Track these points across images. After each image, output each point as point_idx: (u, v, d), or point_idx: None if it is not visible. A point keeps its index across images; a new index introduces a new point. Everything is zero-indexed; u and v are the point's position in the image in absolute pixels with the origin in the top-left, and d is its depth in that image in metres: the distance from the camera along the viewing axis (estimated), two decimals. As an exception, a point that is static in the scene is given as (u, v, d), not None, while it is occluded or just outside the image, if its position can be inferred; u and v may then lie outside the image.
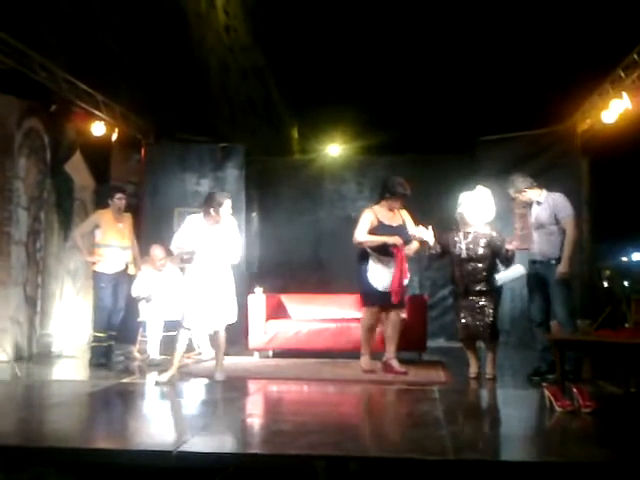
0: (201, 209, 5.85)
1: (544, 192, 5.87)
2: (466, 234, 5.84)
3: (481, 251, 5.76)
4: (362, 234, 5.97)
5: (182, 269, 6.46)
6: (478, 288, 5.75)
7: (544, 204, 5.81)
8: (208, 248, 5.69)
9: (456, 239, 5.86)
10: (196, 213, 5.94)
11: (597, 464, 3.34)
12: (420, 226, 6.04)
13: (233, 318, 5.90)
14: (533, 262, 5.90)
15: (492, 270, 5.82)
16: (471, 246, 5.78)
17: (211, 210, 5.68)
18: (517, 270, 5.84)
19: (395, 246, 5.86)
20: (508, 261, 5.81)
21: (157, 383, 5.63)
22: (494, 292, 5.83)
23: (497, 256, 5.80)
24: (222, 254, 5.74)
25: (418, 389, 5.47)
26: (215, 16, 12.04)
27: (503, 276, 5.83)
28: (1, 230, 7.15)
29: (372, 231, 5.97)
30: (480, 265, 5.76)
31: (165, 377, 5.65)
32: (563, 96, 8.26)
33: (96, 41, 8.13)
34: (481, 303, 5.76)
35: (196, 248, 5.69)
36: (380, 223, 5.99)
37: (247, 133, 11.02)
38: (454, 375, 6.04)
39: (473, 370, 5.91)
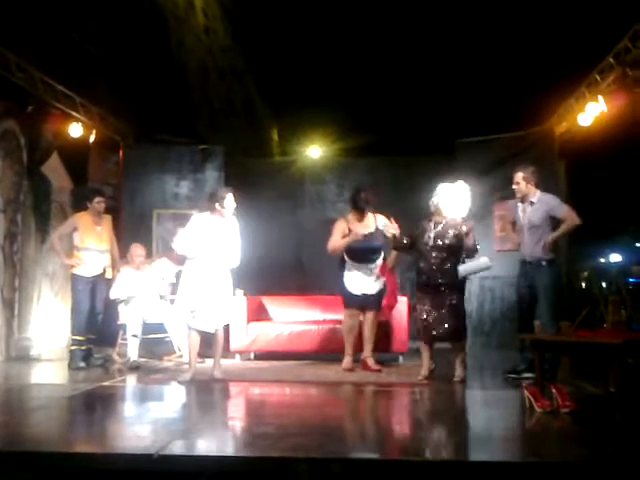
0: (206, 207, 6.00)
1: (538, 193, 5.90)
2: (436, 224, 5.76)
3: (448, 241, 5.66)
4: (333, 243, 6.22)
5: (178, 271, 6.51)
6: (442, 281, 5.61)
7: (537, 204, 5.83)
8: (211, 246, 5.80)
9: (426, 227, 5.79)
10: (200, 213, 6.08)
11: (576, 464, 3.37)
12: (385, 220, 6.18)
13: (230, 319, 6.09)
14: (523, 263, 5.92)
15: (458, 263, 5.67)
16: (440, 236, 5.69)
17: (216, 205, 5.87)
18: (481, 262, 5.70)
19: (364, 235, 6.09)
20: (472, 252, 5.67)
21: (180, 382, 5.74)
22: (459, 286, 5.70)
23: (462, 247, 5.67)
24: (224, 255, 5.83)
25: (400, 390, 5.49)
26: (194, 17, 11.98)
27: (467, 267, 5.68)
28: (-23, 233, 7.08)
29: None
30: (446, 256, 5.64)
31: (187, 377, 5.79)
32: (540, 99, 8.33)
33: (73, 42, 8.06)
34: (447, 300, 5.61)
35: (201, 247, 5.81)
36: (351, 231, 6.20)
37: (226, 134, 10.96)
38: (435, 376, 6.06)
39: (423, 372, 5.77)
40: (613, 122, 7.31)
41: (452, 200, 5.76)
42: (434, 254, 5.67)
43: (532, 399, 4.48)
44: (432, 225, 5.78)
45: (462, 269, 5.64)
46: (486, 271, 5.92)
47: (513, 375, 5.73)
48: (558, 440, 3.95)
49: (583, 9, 7.66)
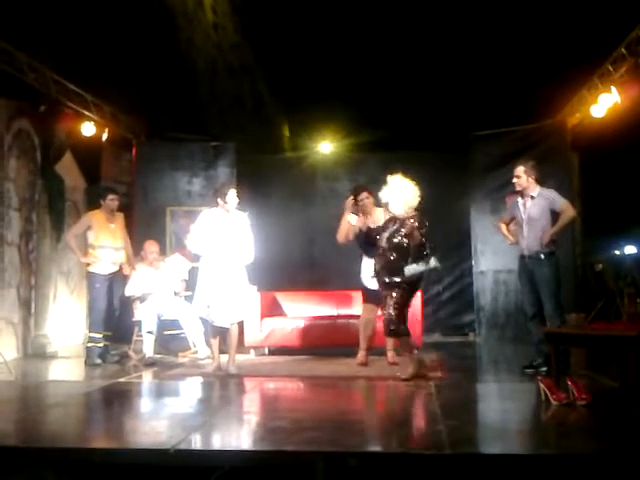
0: (214, 203, 6.12)
1: (538, 187, 5.89)
2: (394, 223, 5.63)
3: (397, 240, 5.50)
4: (339, 235, 6.38)
5: (193, 267, 6.58)
6: (389, 280, 5.48)
7: (537, 199, 5.84)
8: (223, 242, 5.89)
9: (384, 228, 5.70)
10: (208, 209, 6.20)
11: (593, 456, 3.36)
12: (352, 215, 6.28)
13: (246, 314, 6.18)
14: (522, 257, 5.92)
15: (406, 263, 5.45)
16: (393, 235, 5.55)
17: (219, 200, 6.00)
18: (428, 262, 5.51)
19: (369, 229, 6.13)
20: (421, 254, 5.47)
21: (205, 375, 5.97)
22: (404, 285, 5.47)
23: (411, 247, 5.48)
24: (236, 249, 5.91)
25: (415, 384, 5.49)
26: (203, 15, 11.99)
27: (412, 267, 5.47)
28: (-7, 232, 7.14)
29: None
30: (396, 255, 5.48)
31: (212, 369, 6.00)
32: (552, 91, 8.27)
33: (84, 42, 8.08)
34: (388, 297, 5.49)
35: (212, 243, 5.90)
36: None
37: (237, 131, 10.98)
38: (450, 370, 6.06)
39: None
40: (626, 113, 7.25)
41: (395, 197, 5.61)
42: (386, 254, 5.55)
43: (548, 392, 4.47)
44: (390, 225, 5.66)
45: (407, 269, 5.46)
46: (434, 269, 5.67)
47: (530, 370, 5.71)
48: (574, 433, 3.93)
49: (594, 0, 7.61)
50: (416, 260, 5.44)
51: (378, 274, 5.60)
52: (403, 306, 5.53)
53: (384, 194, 5.66)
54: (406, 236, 5.48)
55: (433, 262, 5.50)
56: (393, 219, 5.65)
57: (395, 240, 5.51)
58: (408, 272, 5.42)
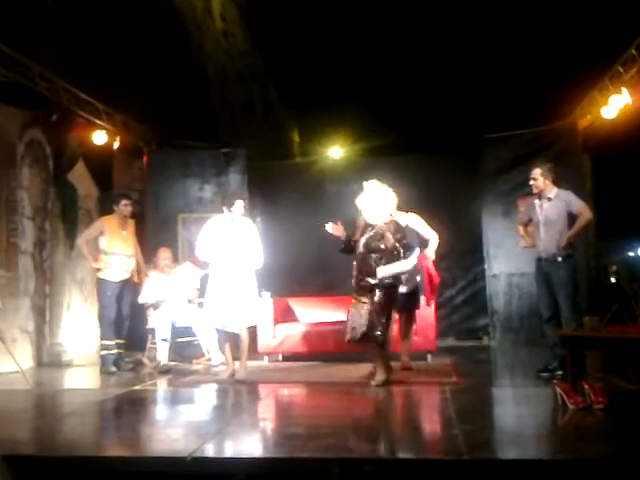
0: (220, 210, 6.17)
1: (555, 189, 5.86)
2: (370, 229, 5.66)
3: (374, 244, 5.54)
4: None
5: (204, 275, 6.59)
6: (364, 284, 5.52)
7: (554, 201, 5.80)
8: (230, 249, 5.91)
9: (362, 233, 5.71)
10: (215, 217, 6.23)
11: (610, 460, 3.34)
12: (415, 218, 6.27)
13: (255, 320, 6.16)
14: (539, 259, 5.90)
15: (378, 265, 5.49)
16: (370, 240, 5.59)
17: (224, 209, 6.05)
18: (401, 264, 5.53)
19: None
20: (395, 257, 5.50)
21: (220, 382, 5.98)
22: (379, 289, 5.49)
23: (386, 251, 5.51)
24: (244, 256, 5.92)
25: (429, 389, 5.48)
26: (212, 22, 12.05)
27: (384, 269, 5.49)
28: (8, 241, 7.18)
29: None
30: (372, 259, 5.51)
31: (226, 375, 6.05)
32: (563, 93, 8.26)
33: (95, 50, 8.15)
34: (362, 303, 5.51)
35: (219, 250, 5.92)
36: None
37: (248, 137, 11.02)
38: (465, 374, 6.03)
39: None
40: (637, 114, 7.21)
41: (369, 205, 5.65)
42: (363, 259, 5.59)
43: (564, 396, 4.44)
44: (368, 230, 5.68)
45: (379, 270, 5.48)
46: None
47: (545, 374, 5.68)
48: (591, 437, 3.90)
49: (605, 0, 7.59)
50: (389, 262, 5.50)
51: (356, 278, 5.63)
52: (383, 312, 5.51)
53: (360, 200, 5.70)
54: (381, 241, 5.55)
55: (406, 264, 5.56)
56: (370, 225, 5.69)
57: (372, 245, 5.58)
58: (380, 274, 5.48)
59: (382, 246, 5.52)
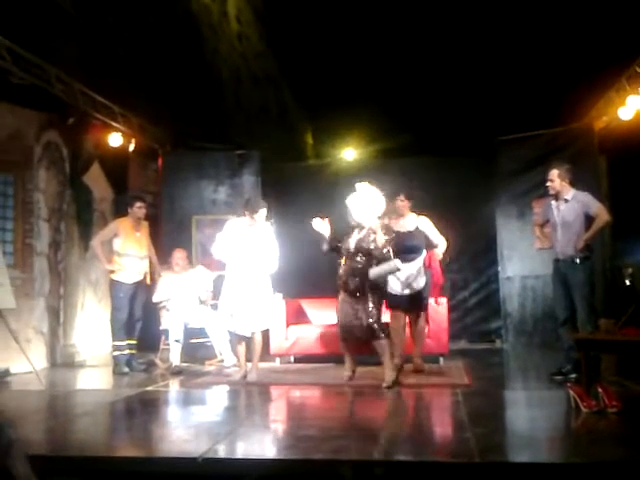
0: (242, 213, 6.22)
1: (572, 190, 5.82)
2: (360, 230, 5.72)
3: (365, 245, 5.60)
4: None
5: (217, 277, 6.62)
6: (355, 285, 5.58)
7: (571, 202, 5.75)
8: (247, 252, 5.95)
9: (350, 234, 5.77)
10: (235, 218, 6.30)
11: (624, 464, 3.31)
12: (424, 221, 6.30)
13: (268, 324, 6.20)
14: (556, 261, 5.85)
15: (371, 267, 5.58)
16: (360, 242, 5.65)
17: (246, 213, 6.11)
18: (391, 264, 5.55)
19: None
20: (384, 258, 5.53)
21: (232, 383, 6.04)
22: (372, 289, 5.59)
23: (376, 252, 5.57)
24: (260, 259, 5.97)
25: (442, 392, 5.45)
26: (227, 25, 12.09)
27: (376, 270, 5.56)
28: (23, 242, 7.26)
29: None
30: (362, 260, 5.60)
31: (238, 377, 6.10)
32: (579, 94, 8.20)
33: (111, 54, 8.20)
34: (359, 304, 5.57)
35: (236, 251, 5.96)
36: None
37: (262, 139, 11.04)
38: (477, 377, 6.00)
39: (346, 373, 5.84)
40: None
41: (358, 207, 5.71)
42: (352, 260, 5.65)
43: (578, 399, 4.40)
44: (356, 232, 5.74)
45: (371, 271, 5.55)
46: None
47: (559, 377, 5.63)
48: (605, 440, 3.87)
49: (621, 1, 7.53)
50: (379, 264, 5.56)
51: (345, 280, 5.66)
52: (377, 310, 5.61)
53: (349, 202, 5.76)
54: (370, 242, 5.60)
55: (395, 264, 5.57)
56: (359, 226, 5.73)
57: (362, 246, 5.62)
58: (372, 275, 5.54)
59: (372, 247, 5.58)
